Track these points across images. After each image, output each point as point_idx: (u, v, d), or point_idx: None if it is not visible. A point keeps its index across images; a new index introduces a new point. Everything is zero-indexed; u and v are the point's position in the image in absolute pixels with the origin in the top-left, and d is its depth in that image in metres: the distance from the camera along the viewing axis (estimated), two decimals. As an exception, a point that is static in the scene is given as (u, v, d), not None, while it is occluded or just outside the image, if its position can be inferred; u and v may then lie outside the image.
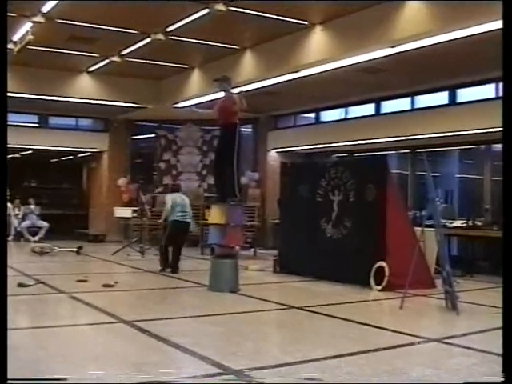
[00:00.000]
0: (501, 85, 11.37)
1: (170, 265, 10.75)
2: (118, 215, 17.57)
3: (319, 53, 11.01)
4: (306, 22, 10.88)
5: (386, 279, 8.91)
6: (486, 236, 11.29)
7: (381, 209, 9.35)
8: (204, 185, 17.63)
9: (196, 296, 8.53)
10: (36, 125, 18.29)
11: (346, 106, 15.28)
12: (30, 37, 11.00)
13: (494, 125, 10.66)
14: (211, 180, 14.66)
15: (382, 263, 9.05)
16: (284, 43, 11.65)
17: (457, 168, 15.64)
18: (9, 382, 3.65)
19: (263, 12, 10.32)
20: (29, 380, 4.09)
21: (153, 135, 18.63)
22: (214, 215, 9.27)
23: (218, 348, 5.35)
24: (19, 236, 17.16)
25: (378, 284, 9.04)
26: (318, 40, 10.97)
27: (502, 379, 3.51)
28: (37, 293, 8.21)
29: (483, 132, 11.67)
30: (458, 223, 12.08)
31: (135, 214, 16.09)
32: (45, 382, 4.10)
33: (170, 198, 11.07)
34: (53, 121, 18.42)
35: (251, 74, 12.70)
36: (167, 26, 11.34)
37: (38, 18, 10.66)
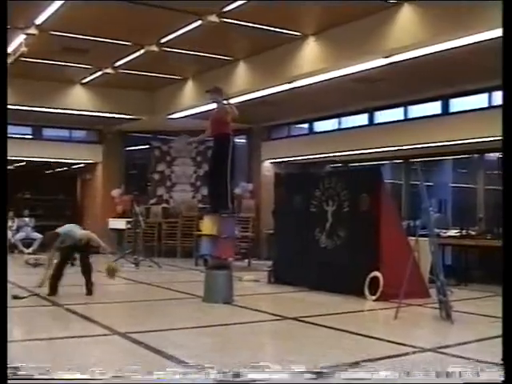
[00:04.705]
0: (494, 94, 11.43)
1: None
2: (112, 226, 17.55)
3: (312, 63, 11.05)
4: (299, 33, 10.92)
5: (380, 289, 8.91)
6: (480, 245, 11.31)
7: (375, 219, 9.36)
8: (198, 196, 17.62)
9: (190, 307, 8.50)
10: (30, 136, 18.28)
11: (339, 116, 15.31)
12: (24, 49, 11.01)
13: (487, 134, 10.74)
14: (205, 191, 14.67)
15: (376, 273, 9.05)
16: (277, 54, 11.68)
17: (450, 177, 15.70)
18: (9, 381, 3.63)
19: (256, 23, 10.35)
20: (29, 380, 4.07)
21: (147, 146, 18.65)
22: (206, 226, 9.27)
23: (213, 359, 5.31)
24: (13, 248, 17.08)
25: (372, 294, 9.04)
26: (311, 51, 11.01)
27: (502, 379, 3.50)
28: (31, 305, 8.17)
29: (476, 141, 11.71)
30: (452, 232, 12.10)
31: (129, 226, 16.07)
32: (45, 382, 4.08)
33: None
34: (46, 132, 18.40)
35: (245, 85, 12.73)
36: (160, 38, 11.37)
37: (32, 30, 10.67)
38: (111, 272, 9.97)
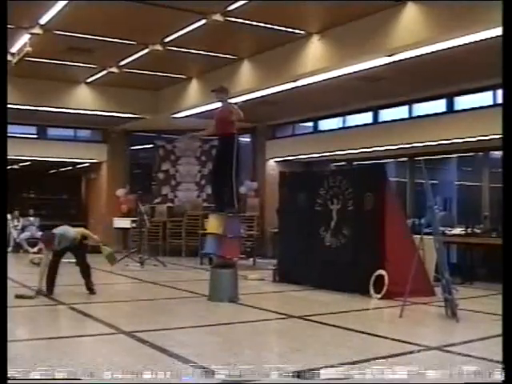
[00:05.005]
0: (498, 92, 11.40)
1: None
2: (117, 226, 17.57)
3: (317, 62, 11.04)
4: (303, 32, 10.92)
5: (385, 287, 8.90)
6: (485, 243, 11.28)
7: (379, 217, 9.35)
8: (203, 195, 17.61)
9: (195, 306, 8.50)
10: (35, 136, 18.32)
11: (343, 114, 15.30)
12: (28, 48, 11.04)
13: (491, 132, 10.71)
14: (210, 190, 14.68)
15: (381, 271, 9.04)
16: (281, 53, 11.68)
17: (455, 175, 15.65)
18: (9, 382, 3.64)
19: (260, 22, 10.35)
20: (29, 380, 4.08)
21: (151, 145, 18.65)
22: (211, 225, 9.26)
23: (218, 358, 5.32)
24: (18, 247, 17.10)
25: (377, 292, 9.03)
26: (315, 49, 11.00)
27: (503, 379, 3.50)
28: (36, 304, 8.19)
29: (481, 139, 11.69)
30: (457, 231, 12.07)
31: (134, 225, 16.09)
32: (45, 381, 4.09)
33: None
34: (51, 132, 18.45)
35: (249, 84, 12.73)
36: (165, 37, 11.37)
37: (36, 30, 10.70)
38: (110, 257, 10.01)
